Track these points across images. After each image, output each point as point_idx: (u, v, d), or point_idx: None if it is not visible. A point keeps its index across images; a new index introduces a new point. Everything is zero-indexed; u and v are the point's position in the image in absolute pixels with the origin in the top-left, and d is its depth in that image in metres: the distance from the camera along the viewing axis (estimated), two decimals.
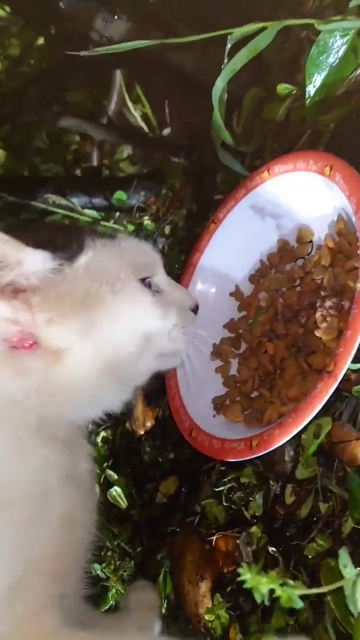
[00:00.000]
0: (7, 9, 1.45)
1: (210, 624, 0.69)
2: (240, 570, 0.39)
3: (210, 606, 0.70)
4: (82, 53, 0.67)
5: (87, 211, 1.39)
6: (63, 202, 1.28)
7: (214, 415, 0.75)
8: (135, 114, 1.52)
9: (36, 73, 1.65)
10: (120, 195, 1.29)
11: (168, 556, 0.80)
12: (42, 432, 0.57)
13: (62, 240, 0.60)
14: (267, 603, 0.39)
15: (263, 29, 0.64)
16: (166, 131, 1.53)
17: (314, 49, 0.71)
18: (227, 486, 0.75)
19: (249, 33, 0.64)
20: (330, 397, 0.60)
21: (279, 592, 0.37)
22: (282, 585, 0.38)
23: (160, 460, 0.90)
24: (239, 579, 0.40)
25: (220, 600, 0.68)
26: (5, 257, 0.54)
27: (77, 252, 0.60)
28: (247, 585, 0.39)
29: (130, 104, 1.52)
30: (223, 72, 0.67)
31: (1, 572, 0.51)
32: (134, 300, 0.63)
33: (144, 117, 1.54)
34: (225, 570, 0.71)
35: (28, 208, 1.30)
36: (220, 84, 0.69)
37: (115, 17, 0.97)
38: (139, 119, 1.52)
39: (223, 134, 0.77)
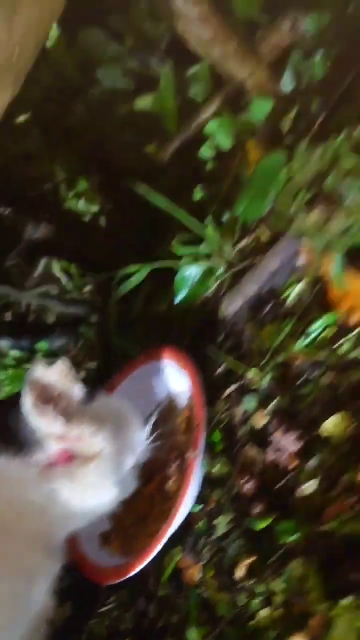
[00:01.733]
0: None
1: None
2: None
3: None
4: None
5: (12, 352, 1.62)
6: None
7: (99, 549, 0.93)
8: (59, 275, 1.78)
9: None
10: (43, 344, 1.53)
11: None
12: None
13: None
14: None
15: (138, 270, 0.94)
16: (87, 288, 1.80)
17: (178, 276, 1.01)
18: (108, 607, 0.93)
19: (128, 273, 0.93)
20: (182, 531, 0.82)
21: None
22: None
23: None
24: None
25: None
26: (67, 389, 0.73)
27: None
28: None
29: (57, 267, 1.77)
30: (110, 304, 0.95)
31: None
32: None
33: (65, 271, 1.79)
34: None
35: None
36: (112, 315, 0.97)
37: (42, 224, 1.28)
38: (63, 279, 1.78)
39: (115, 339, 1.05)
